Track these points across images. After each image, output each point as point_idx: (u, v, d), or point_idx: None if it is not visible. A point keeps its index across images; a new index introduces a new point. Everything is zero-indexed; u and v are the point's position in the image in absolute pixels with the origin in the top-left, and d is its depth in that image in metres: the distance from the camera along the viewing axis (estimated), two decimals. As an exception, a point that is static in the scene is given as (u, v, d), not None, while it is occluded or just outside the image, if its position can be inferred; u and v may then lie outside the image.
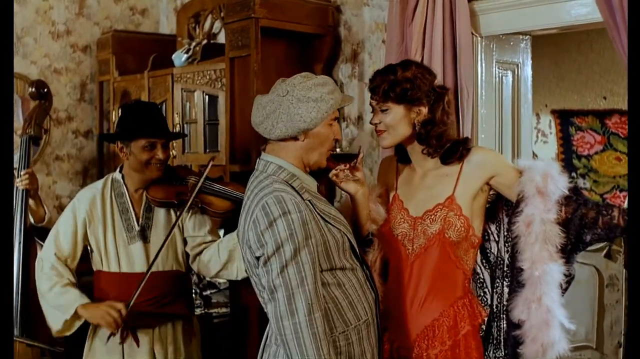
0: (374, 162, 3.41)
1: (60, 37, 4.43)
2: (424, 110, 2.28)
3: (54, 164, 4.43)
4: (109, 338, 2.66)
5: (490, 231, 2.40)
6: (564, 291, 2.21)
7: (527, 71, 3.27)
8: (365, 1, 3.52)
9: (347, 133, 3.61)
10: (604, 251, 4.38)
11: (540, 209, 2.16)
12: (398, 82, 2.24)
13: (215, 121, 3.63)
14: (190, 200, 2.70)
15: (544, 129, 5.35)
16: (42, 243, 3.09)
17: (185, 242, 2.84)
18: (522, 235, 2.19)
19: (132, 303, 2.63)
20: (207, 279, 3.84)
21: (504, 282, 2.33)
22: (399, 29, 3.05)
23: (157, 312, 2.75)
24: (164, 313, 2.77)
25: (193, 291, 3.51)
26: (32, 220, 3.29)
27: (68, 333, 2.73)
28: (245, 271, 2.50)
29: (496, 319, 2.34)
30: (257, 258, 2.01)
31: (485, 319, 2.35)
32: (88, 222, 2.76)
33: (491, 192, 2.36)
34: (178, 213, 2.75)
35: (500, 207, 2.39)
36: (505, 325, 2.31)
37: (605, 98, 5.06)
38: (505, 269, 2.33)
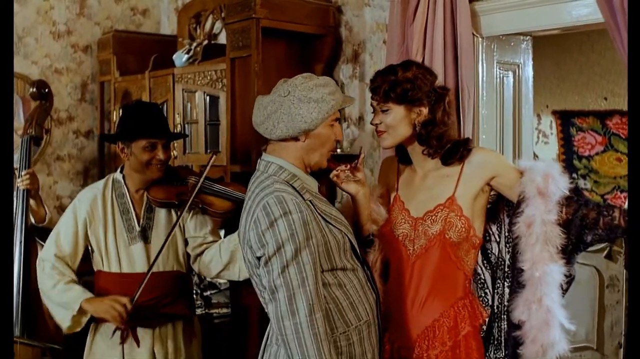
0: (375, 163, 3.41)
1: (61, 37, 4.43)
2: (425, 110, 2.27)
3: (55, 164, 4.43)
4: (114, 332, 2.65)
5: (491, 232, 2.40)
6: (565, 291, 2.21)
7: (528, 72, 3.27)
8: (366, 1, 3.53)
9: (348, 134, 3.61)
10: (605, 252, 4.38)
11: (541, 210, 2.16)
12: (399, 83, 2.24)
13: (216, 122, 3.63)
14: (190, 200, 2.70)
15: (544, 129, 5.35)
16: (42, 243, 3.10)
17: (186, 242, 2.84)
18: (522, 236, 2.19)
19: (136, 297, 2.63)
20: (208, 279, 3.84)
21: (505, 283, 2.33)
22: (400, 29, 3.05)
23: (157, 312, 2.74)
24: (164, 313, 2.77)
25: (194, 291, 3.50)
26: (32, 220, 3.29)
27: (78, 329, 2.72)
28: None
29: (497, 320, 2.34)
30: (258, 258, 2.02)
31: (486, 319, 2.35)
32: (89, 223, 2.76)
33: (492, 193, 2.36)
34: (179, 213, 2.75)
35: (501, 208, 2.38)
36: (505, 326, 2.31)
37: (606, 99, 5.06)
38: (506, 269, 2.33)
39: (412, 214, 2.34)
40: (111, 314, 2.60)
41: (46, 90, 3.56)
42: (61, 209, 4.31)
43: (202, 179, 2.73)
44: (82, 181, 4.50)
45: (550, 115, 5.31)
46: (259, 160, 2.16)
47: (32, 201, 3.25)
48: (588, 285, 4.39)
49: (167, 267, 2.78)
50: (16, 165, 3.28)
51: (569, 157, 5.18)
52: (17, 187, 3.22)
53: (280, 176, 2.08)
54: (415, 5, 2.98)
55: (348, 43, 3.62)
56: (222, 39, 3.99)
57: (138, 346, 2.72)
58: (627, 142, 4.84)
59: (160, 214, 2.81)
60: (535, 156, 4.06)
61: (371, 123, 2.36)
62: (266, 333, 2.18)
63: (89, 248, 2.80)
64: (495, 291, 2.36)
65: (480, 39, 3.05)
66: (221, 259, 2.75)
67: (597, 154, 5.07)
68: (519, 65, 3.23)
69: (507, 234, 2.34)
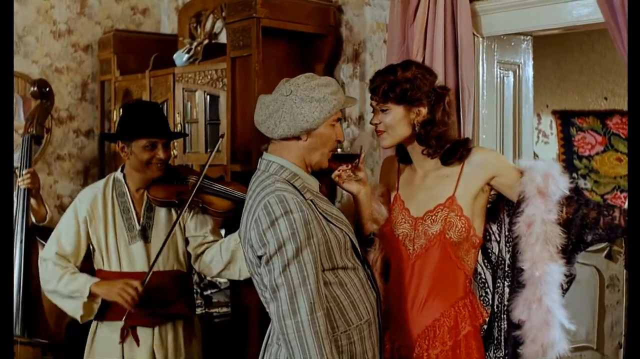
0: (375, 163, 3.41)
1: (62, 36, 4.43)
2: (424, 110, 2.27)
3: (56, 164, 4.43)
4: (126, 316, 2.63)
5: (491, 231, 2.40)
6: (565, 291, 2.21)
7: (529, 72, 3.27)
8: (367, 1, 3.53)
9: (348, 133, 3.61)
10: (605, 252, 4.38)
11: (541, 209, 2.16)
12: (398, 83, 2.24)
13: (216, 121, 3.63)
14: (190, 199, 2.70)
15: (545, 129, 5.35)
16: (43, 242, 3.10)
17: (187, 242, 2.84)
18: (522, 235, 2.20)
19: (146, 281, 2.63)
20: (208, 278, 3.84)
21: (505, 282, 2.33)
22: (401, 29, 3.05)
23: (157, 312, 2.74)
24: (164, 313, 2.77)
25: (194, 290, 3.51)
26: (33, 219, 3.29)
27: (92, 317, 2.72)
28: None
29: (497, 320, 2.35)
30: (259, 257, 2.02)
31: (486, 319, 2.35)
32: (89, 222, 2.76)
33: (492, 193, 2.36)
34: (178, 212, 2.76)
35: (502, 208, 2.39)
36: (505, 325, 2.31)
37: (606, 99, 5.06)
38: (506, 269, 2.33)
39: (412, 214, 2.34)
40: (123, 297, 2.59)
41: (47, 89, 3.56)
42: (62, 208, 4.31)
43: (201, 178, 2.73)
44: (82, 180, 4.51)
45: (551, 115, 5.31)
46: (260, 159, 2.17)
47: (32, 200, 3.26)
48: (588, 285, 4.39)
49: (168, 266, 2.78)
50: (17, 164, 3.29)
51: (569, 157, 5.18)
52: (18, 187, 3.22)
53: (282, 175, 2.08)
54: (416, 5, 2.98)
55: (348, 43, 3.62)
56: (223, 38, 4.00)
57: (138, 345, 2.72)
58: (627, 142, 4.84)
59: (161, 213, 2.81)
60: (536, 155, 4.06)
61: (370, 123, 2.36)
62: (267, 332, 2.18)
63: (90, 247, 2.80)
64: (496, 290, 2.36)
65: (480, 39, 3.05)
66: (222, 258, 2.75)
67: (597, 154, 5.07)
68: (519, 65, 3.23)
69: (507, 233, 2.34)
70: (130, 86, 4.21)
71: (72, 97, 4.49)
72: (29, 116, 3.49)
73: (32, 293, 3.15)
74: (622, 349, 4.29)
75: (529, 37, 3.23)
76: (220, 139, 2.88)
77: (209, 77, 3.63)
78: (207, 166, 2.78)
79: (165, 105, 3.88)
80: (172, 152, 3.04)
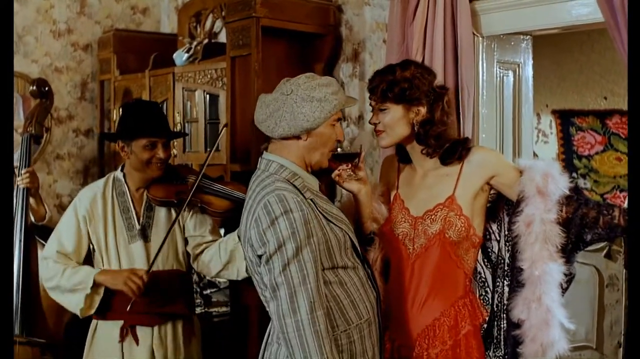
0: (375, 162, 3.41)
1: (62, 36, 4.43)
2: (423, 110, 2.28)
3: (55, 163, 4.43)
4: (130, 305, 2.61)
5: (491, 230, 2.40)
6: (565, 290, 2.22)
7: (528, 71, 3.27)
8: (367, 1, 3.52)
9: (347, 132, 3.61)
10: (604, 251, 4.38)
11: (540, 209, 2.16)
12: (396, 82, 2.25)
13: (216, 120, 3.63)
14: (188, 198, 2.70)
15: (544, 129, 5.35)
16: (42, 242, 3.10)
17: (186, 241, 2.84)
18: (522, 235, 2.20)
19: (151, 269, 2.64)
20: (208, 278, 3.84)
21: (505, 281, 2.33)
22: (400, 28, 3.05)
23: (157, 311, 2.74)
24: (164, 312, 2.77)
25: (194, 290, 3.50)
26: (32, 219, 3.29)
27: (92, 311, 2.70)
28: (247, 269, 2.51)
29: (497, 319, 2.35)
30: (259, 256, 2.02)
31: (486, 318, 2.35)
32: (89, 221, 2.76)
33: (492, 192, 2.36)
34: (177, 212, 2.75)
35: (501, 207, 2.39)
36: (505, 324, 2.31)
37: (606, 98, 5.06)
38: (506, 268, 2.34)
39: (411, 213, 2.34)
40: (129, 286, 2.59)
41: (46, 88, 3.56)
42: (61, 207, 4.31)
43: (199, 178, 2.73)
44: (82, 180, 4.50)
45: (550, 114, 5.31)
46: (260, 158, 2.17)
47: (32, 200, 3.25)
48: (587, 284, 4.39)
49: (167, 266, 2.78)
50: (16, 163, 3.28)
51: (568, 157, 5.19)
52: (17, 186, 3.22)
53: (281, 175, 2.08)
54: (415, 5, 2.98)
55: (348, 42, 3.62)
56: (222, 37, 4.00)
57: (137, 344, 2.72)
58: (626, 141, 4.85)
59: (160, 213, 2.81)
60: (535, 155, 4.06)
61: (370, 122, 2.36)
62: (267, 331, 2.18)
63: (90, 247, 2.80)
64: (495, 289, 2.36)
65: (480, 39, 3.05)
66: (220, 258, 2.75)
67: (596, 153, 5.07)
68: (519, 65, 3.23)
69: (507, 232, 2.34)
70: (130, 86, 4.21)
71: (71, 97, 4.49)
72: (28, 115, 3.48)
73: (31, 292, 3.15)
74: (621, 349, 4.29)
75: (528, 36, 3.23)
76: (224, 128, 2.87)
77: (208, 76, 3.63)
78: (205, 165, 2.78)
79: (165, 104, 3.88)
80: (172, 152, 3.04)
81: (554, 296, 2.16)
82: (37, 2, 4.31)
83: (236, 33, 3.40)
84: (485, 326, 2.36)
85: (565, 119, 5.22)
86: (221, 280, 3.88)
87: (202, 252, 2.81)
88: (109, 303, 2.70)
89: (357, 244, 2.17)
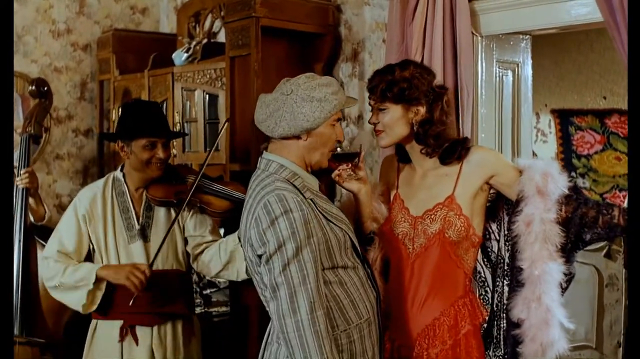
0: (374, 162, 3.41)
1: (61, 35, 4.43)
2: (422, 110, 2.28)
3: (54, 163, 4.43)
4: (133, 300, 2.61)
5: (491, 230, 2.40)
6: (564, 290, 2.22)
7: (527, 71, 3.27)
8: (366, 0, 3.52)
9: (347, 132, 3.61)
10: (604, 251, 4.38)
11: (540, 208, 2.17)
12: (396, 82, 2.25)
13: (215, 120, 3.63)
14: (187, 198, 2.70)
15: (543, 128, 5.35)
16: (42, 242, 3.10)
17: (186, 241, 2.84)
18: (521, 234, 2.20)
19: (153, 264, 2.64)
20: (208, 278, 3.84)
21: (504, 281, 2.34)
22: (400, 28, 3.05)
23: (156, 311, 2.74)
24: (163, 312, 2.77)
25: (193, 290, 3.50)
26: (32, 219, 3.29)
27: (94, 308, 2.70)
28: (247, 270, 2.51)
29: (497, 319, 2.35)
30: (259, 256, 2.02)
31: (486, 318, 2.35)
32: (88, 221, 2.76)
33: (492, 191, 2.37)
34: (176, 212, 2.75)
35: (501, 206, 2.39)
36: (505, 324, 2.31)
37: (605, 98, 5.06)
38: (506, 268, 2.34)
39: (411, 213, 2.34)
40: (131, 281, 2.59)
41: (45, 88, 3.55)
42: (60, 207, 4.31)
43: (198, 178, 2.73)
44: (81, 180, 4.50)
45: (549, 114, 5.31)
46: (259, 158, 2.17)
47: (31, 200, 3.25)
48: (587, 284, 4.39)
49: (167, 265, 2.78)
50: (15, 164, 3.28)
51: (567, 156, 5.19)
52: (16, 186, 3.22)
53: (281, 174, 2.08)
54: (415, 4, 2.98)
55: (347, 42, 3.62)
56: (222, 37, 3.99)
57: (137, 344, 2.72)
58: (626, 141, 4.85)
59: (160, 213, 2.81)
60: (534, 154, 4.06)
61: (369, 122, 2.36)
62: (267, 331, 2.18)
63: (90, 247, 2.80)
64: (495, 289, 2.36)
65: (479, 38, 3.05)
66: (220, 259, 2.75)
67: (596, 153, 5.07)
68: (518, 64, 3.23)
69: (506, 232, 2.34)
70: (129, 85, 4.20)
71: (71, 97, 4.49)
72: (27, 115, 3.48)
73: (31, 292, 3.14)
74: (621, 348, 4.29)
75: (527, 36, 3.23)
76: (226, 123, 2.86)
77: (208, 76, 3.63)
78: (204, 165, 2.78)
79: (164, 104, 3.88)
80: (171, 152, 3.04)
81: (553, 296, 2.17)
82: (36, 2, 4.31)
83: (235, 33, 3.40)
84: (485, 325, 2.36)
85: (565, 118, 5.23)
86: (221, 280, 3.88)
87: (202, 252, 2.81)
88: (111, 300, 2.70)
89: (357, 244, 2.17)
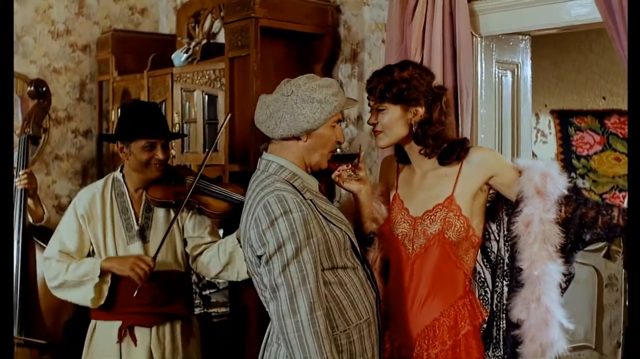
0: (374, 162, 3.41)
1: (60, 36, 4.42)
2: (421, 110, 2.28)
3: (53, 164, 4.42)
4: (137, 291, 2.60)
5: (491, 230, 2.40)
6: (564, 290, 2.22)
7: (527, 71, 3.27)
8: (365, 1, 3.52)
9: (346, 133, 3.61)
10: (603, 251, 4.38)
11: (539, 209, 2.17)
12: (394, 83, 2.25)
13: (214, 121, 3.63)
14: (186, 199, 2.70)
15: (543, 129, 5.35)
16: (40, 243, 3.09)
17: (185, 242, 2.84)
18: (521, 235, 2.20)
19: (156, 256, 2.64)
20: (207, 278, 3.84)
21: (504, 281, 2.34)
22: (399, 28, 3.05)
23: (155, 311, 2.74)
24: (162, 313, 2.76)
25: (193, 290, 3.50)
26: (30, 220, 3.28)
27: (102, 301, 2.69)
28: (247, 270, 2.51)
29: (496, 319, 2.35)
30: (259, 257, 2.02)
31: (486, 319, 2.35)
32: (87, 221, 2.76)
33: (491, 192, 2.37)
34: (175, 213, 2.75)
35: (501, 207, 2.39)
36: (504, 324, 2.31)
37: (604, 98, 5.06)
38: (505, 268, 2.34)
39: (411, 214, 2.34)
40: (135, 272, 2.59)
41: (44, 89, 3.55)
42: (60, 208, 4.31)
43: (196, 179, 2.73)
44: (80, 181, 4.50)
45: (549, 114, 5.31)
46: (259, 159, 2.17)
47: (30, 201, 3.25)
48: (587, 284, 4.39)
49: (166, 266, 2.78)
50: (14, 164, 3.28)
51: (567, 157, 5.19)
52: (15, 187, 3.21)
53: (281, 175, 2.08)
54: (414, 5, 2.98)
55: (347, 42, 3.62)
56: (221, 38, 3.99)
57: (135, 345, 2.71)
58: (625, 141, 4.85)
59: (159, 213, 2.81)
60: (534, 155, 4.06)
61: (368, 123, 2.36)
62: (266, 332, 2.18)
63: (90, 247, 2.79)
64: (495, 289, 2.36)
65: (479, 39, 3.05)
66: (220, 260, 2.75)
67: (595, 153, 5.07)
68: (517, 65, 3.23)
69: (506, 233, 2.34)
70: (129, 86, 4.20)
71: (70, 97, 4.49)
72: (26, 116, 3.48)
73: (30, 293, 3.14)
74: (620, 349, 4.29)
75: (527, 36, 3.22)
76: (228, 116, 2.86)
77: (207, 77, 3.63)
78: (203, 166, 2.77)
79: (163, 105, 3.88)
80: (170, 153, 3.03)
81: (553, 296, 2.16)
82: (35, 3, 4.31)
83: (235, 33, 3.40)
84: (484, 326, 2.36)
85: (564, 119, 5.23)
86: (220, 281, 3.88)
87: (201, 253, 2.81)
88: (115, 293, 2.69)
89: (356, 245, 2.17)
